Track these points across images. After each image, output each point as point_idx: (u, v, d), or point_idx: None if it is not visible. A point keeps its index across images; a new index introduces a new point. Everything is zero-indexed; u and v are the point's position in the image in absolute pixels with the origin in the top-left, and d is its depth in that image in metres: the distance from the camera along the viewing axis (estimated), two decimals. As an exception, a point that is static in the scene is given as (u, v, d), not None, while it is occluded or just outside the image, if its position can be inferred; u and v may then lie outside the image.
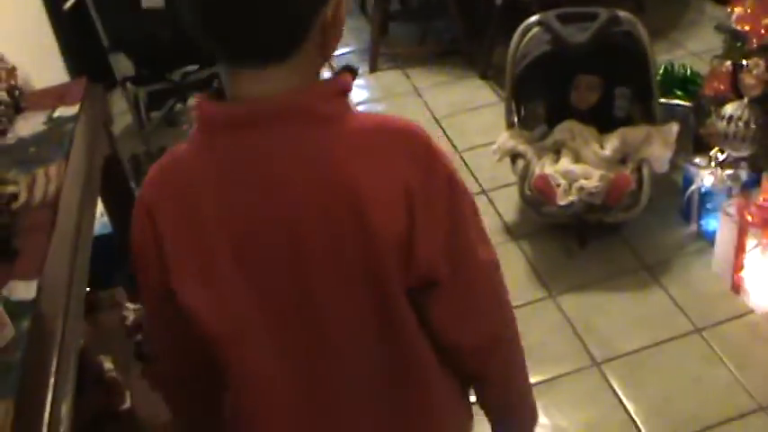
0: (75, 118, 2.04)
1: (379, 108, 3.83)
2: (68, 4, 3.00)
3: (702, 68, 3.10)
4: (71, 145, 1.91)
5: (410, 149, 1.04)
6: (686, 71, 3.18)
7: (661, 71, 3.10)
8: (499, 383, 1.25)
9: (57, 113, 2.07)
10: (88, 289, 1.92)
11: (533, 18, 2.82)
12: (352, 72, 1.07)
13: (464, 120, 3.57)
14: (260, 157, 1.02)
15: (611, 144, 2.73)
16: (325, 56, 1.06)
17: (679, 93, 3.06)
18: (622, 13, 2.76)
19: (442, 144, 3.28)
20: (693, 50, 3.70)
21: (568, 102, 2.86)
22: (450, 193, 1.06)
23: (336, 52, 1.10)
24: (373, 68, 4.05)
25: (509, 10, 3.56)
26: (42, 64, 3.19)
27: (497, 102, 3.60)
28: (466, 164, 3.28)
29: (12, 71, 2.10)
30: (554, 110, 2.92)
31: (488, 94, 3.70)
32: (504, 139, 2.87)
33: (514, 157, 2.84)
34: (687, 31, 3.94)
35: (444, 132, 3.51)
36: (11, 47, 2.26)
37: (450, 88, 3.82)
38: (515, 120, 2.95)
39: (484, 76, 3.80)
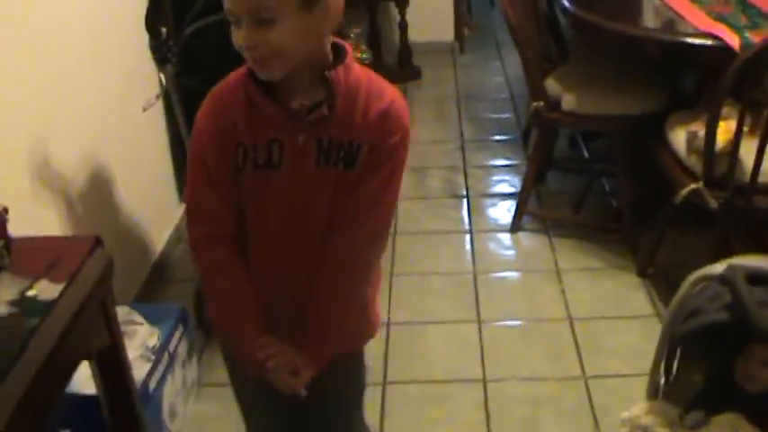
0: (49, 307, 1.53)
1: (509, 278, 3.23)
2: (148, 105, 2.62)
3: None
4: (16, 362, 1.41)
5: None
6: None
7: None
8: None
9: (33, 291, 1.57)
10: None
11: (714, 271, 2.14)
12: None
13: (604, 330, 2.90)
14: None
15: (785, 469, 2.02)
16: None
17: None
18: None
19: (569, 355, 2.76)
20: None
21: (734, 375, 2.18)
22: None
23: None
24: (515, 228, 3.45)
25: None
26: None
27: (652, 316, 2.92)
28: (589, 395, 2.63)
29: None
30: (715, 380, 2.23)
31: (643, 302, 3.01)
32: (640, 411, 2.19)
33: (648, 436, 2.19)
34: None
35: (574, 339, 2.86)
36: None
37: (597, 279, 3.16)
38: (662, 383, 2.28)
39: (642, 274, 3.12)
